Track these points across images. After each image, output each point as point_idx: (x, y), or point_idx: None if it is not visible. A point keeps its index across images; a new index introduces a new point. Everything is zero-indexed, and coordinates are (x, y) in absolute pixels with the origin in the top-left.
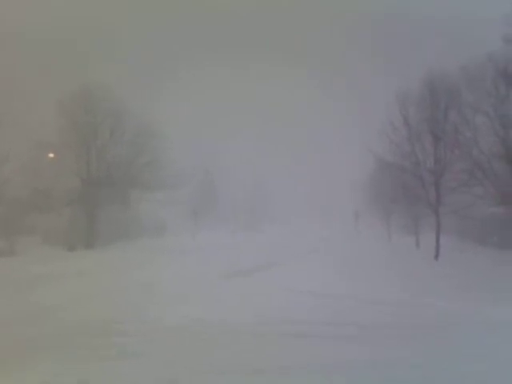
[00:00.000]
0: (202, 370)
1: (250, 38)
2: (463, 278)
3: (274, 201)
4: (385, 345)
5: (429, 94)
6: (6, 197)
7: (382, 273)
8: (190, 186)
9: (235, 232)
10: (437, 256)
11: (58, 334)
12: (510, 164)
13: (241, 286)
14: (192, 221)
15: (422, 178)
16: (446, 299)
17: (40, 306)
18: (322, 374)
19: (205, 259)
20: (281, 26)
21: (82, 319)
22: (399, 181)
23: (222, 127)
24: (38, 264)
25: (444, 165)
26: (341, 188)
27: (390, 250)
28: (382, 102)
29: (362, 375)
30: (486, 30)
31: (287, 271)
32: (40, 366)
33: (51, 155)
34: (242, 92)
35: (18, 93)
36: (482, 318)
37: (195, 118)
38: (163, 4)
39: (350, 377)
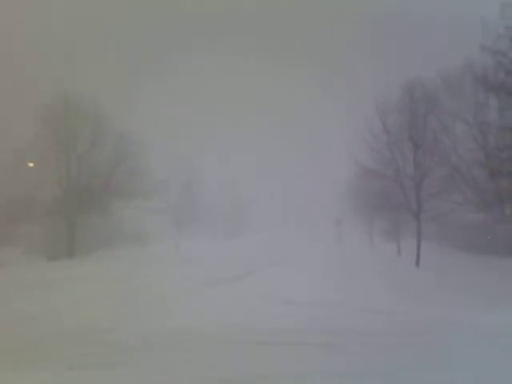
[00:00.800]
0: (185, 379)
1: (249, 37)
2: (444, 283)
3: (256, 208)
4: (364, 352)
5: (408, 101)
6: None
7: (363, 279)
8: (171, 193)
9: (217, 240)
10: (418, 262)
11: (40, 343)
12: (489, 170)
13: (224, 294)
14: (174, 229)
15: (402, 184)
16: (425, 305)
17: (20, 315)
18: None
19: (187, 268)
20: (280, 25)
21: (63, 328)
22: (380, 187)
23: (202, 132)
24: (19, 274)
25: (424, 171)
26: (323, 194)
27: (371, 256)
28: (364, 107)
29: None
30: (465, 36)
31: (267, 279)
32: (20, 376)
33: (30, 164)
34: (244, 93)
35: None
36: (464, 324)
37: (172, 121)
38: (161, 3)
39: None
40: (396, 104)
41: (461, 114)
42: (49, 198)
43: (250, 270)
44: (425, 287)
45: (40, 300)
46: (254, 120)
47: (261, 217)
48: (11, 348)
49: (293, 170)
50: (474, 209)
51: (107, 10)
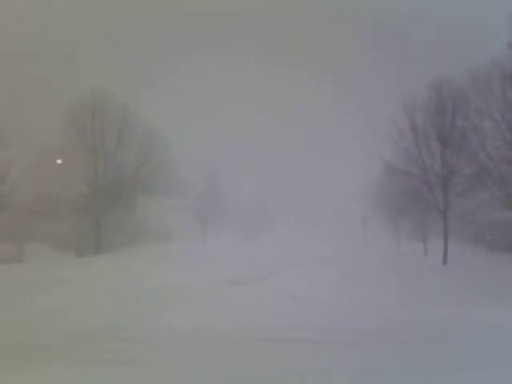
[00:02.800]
0: (203, 377)
1: (251, 38)
2: (471, 283)
3: (282, 206)
4: (388, 351)
5: (436, 99)
6: (13, 203)
7: (388, 279)
8: (196, 191)
9: (240, 238)
10: (445, 261)
11: (65, 340)
12: None
13: (247, 293)
14: (199, 227)
15: (429, 182)
16: (453, 305)
17: (47, 311)
18: (322, 379)
19: (212, 266)
20: (281, 25)
21: (88, 325)
22: (407, 186)
23: (227, 130)
24: (46, 270)
25: (451, 169)
26: (348, 194)
27: (397, 256)
28: (388, 106)
29: (363, 381)
30: (493, 34)
31: (293, 278)
32: (46, 371)
33: (59, 161)
34: (244, 93)
35: (25, 98)
36: (491, 325)
37: (197, 121)
38: (162, 3)
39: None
40: (423, 102)
41: (489, 111)
42: (76, 195)
43: (273, 269)
44: (450, 286)
45: (62, 296)
46: (275, 119)
47: (285, 214)
48: (32, 345)
49: (317, 170)
50: (502, 207)
51: (116, 10)
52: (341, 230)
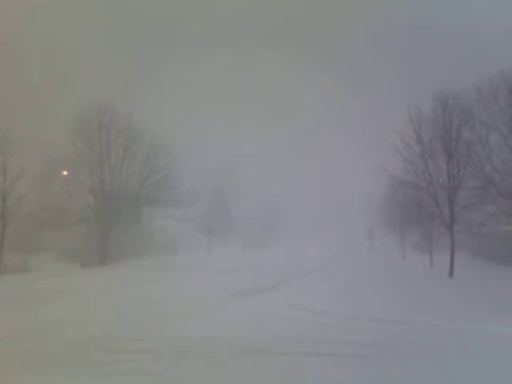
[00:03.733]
0: None
1: (258, 35)
2: (478, 296)
3: (287, 216)
4: (392, 364)
5: (442, 112)
6: (19, 213)
7: (393, 291)
8: (202, 203)
9: (247, 249)
10: (451, 274)
11: (68, 350)
12: None
13: (252, 305)
14: (205, 238)
15: (435, 195)
16: (459, 317)
17: (51, 321)
18: None
19: (218, 277)
20: (285, 26)
21: (92, 335)
22: (413, 198)
23: (233, 141)
24: (51, 280)
25: (457, 182)
26: (354, 205)
27: (403, 268)
28: (395, 117)
29: None
30: (499, 48)
31: (299, 289)
32: (50, 381)
33: (65, 172)
34: (251, 102)
35: (31, 109)
36: (495, 337)
37: (203, 132)
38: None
39: None
40: (429, 115)
41: (495, 124)
42: (82, 207)
43: (279, 281)
44: (457, 300)
45: (67, 306)
46: (280, 126)
47: (290, 225)
48: (41, 354)
49: (323, 181)
50: (508, 220)
51: (120, 16)
52: (346, 242)
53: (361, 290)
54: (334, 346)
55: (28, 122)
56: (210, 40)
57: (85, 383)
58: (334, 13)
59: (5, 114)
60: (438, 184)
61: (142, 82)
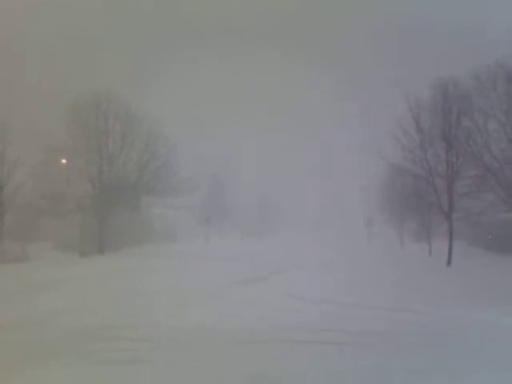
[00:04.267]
0: (206, 377)
1: (258, 35)
2: (475, 284)
3: (284, 206)
4: (391, 352)
5: (441, 100)
6: (17, 202)
7: (392, 279)
8: (200, 192)
9: (245, 239)
10: (449, 262)
11: (67, 339)
12: None
13: (250, 294)
14: (203, 227)
15: (434, 183)
16: (457, 306)
17: (50, 310)
18: (325, 379)
19: (215, 266)
20: (283, 25)
21: (91, 324)
22: (411, 187)
23: (230, 130)
24: (51, 269)
25: (456, 170)
26: (353, 194)
27: (402, 256)
28: (394, 106)
29: (366, 381)
30: (498, 36)
31: (297, 279)
32: (48, 370)
33: (63, 161)
34: (248, 93)
35: (29, 98)
36: (493, 326)
37: (201, 121)
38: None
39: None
40: (429, 103)
41: (494, 113)
42: (80, 195)
43: (277, 270)
44: (455, 287)
45: (65, 295)
46: (278, 119)
47: (289, 216)
48: (33, 343)
49: (321, 170)
50: (506, 208)
51: (118, 11)
52: (345, 230)
53: (359, 279)
54: (334, 334)
55: (26, 111)
56: (210, 40)
57: (82, 372)
58: (333, 13)
59: (3, 105)
60: (436, 172)
61: (142, 82)
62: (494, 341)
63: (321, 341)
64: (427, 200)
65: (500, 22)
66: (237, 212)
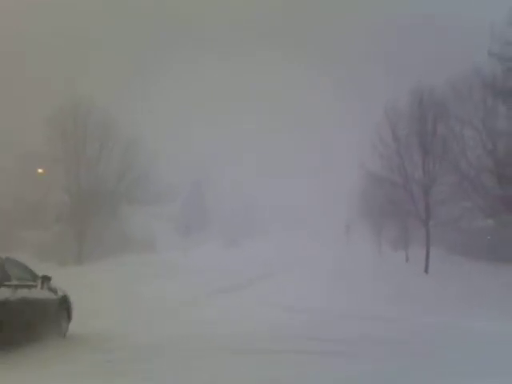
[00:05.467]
0: None
1: (258, 35)
2: (453, 291)
3: (263, 214)
4: (373, 361)
5: (417, 107)
6: None
7: (370, 286)
8: (180, 200)
9: (224, 246)
10: (426, 269)
11: (45, 350)
12: (498, 177)
13: (231, 303)
14: (182, 236)
15: (411, 191)
16: (434, 313)
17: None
18: None
19: (195, 275)
20: (281, 25)
21: (72, 334)
22: (389, 194)
23: (211, 136)
24: None
25: (433, 177)
26: (331, 201)
27: (379, 263)
28: (375, 112)
29: None
30: (474, 42)
31: (274, 286)
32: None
33: (40, 170)
34: (250, 92)
35: (5, 103)
36: (472, 332)
37: (181, 128)
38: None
39: None
40: (405, 110)
41: (470, 120)
42: (58, 204)
43: (257, 278)
44: (432, 294)
45: None
46: (271, 124)
47: (268, 223)
48: (28, 354)
49: (300, 175)
50: (483, 215)
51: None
52: (324, 238)
53: (334, 287)
54: (307, 341)
55: (1, 116)
56: (210, 40)
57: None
58: (333, 13)
59: None
60: (413, 179)
61: (142, 82)
62: (468, 346)
63: (301, 350)
64: (404, 207)
65: (477, 27)
66: (218, 219)
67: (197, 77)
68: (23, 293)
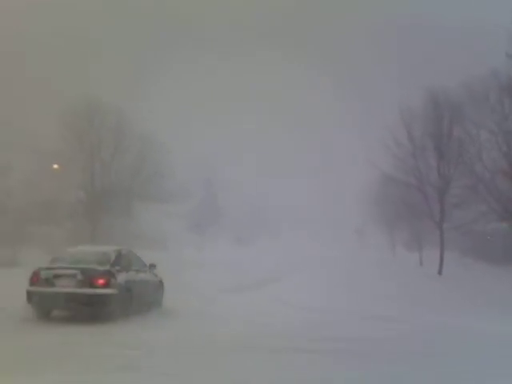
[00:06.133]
0: None
1: (258, 35)
2: (466, 294)
3: (278, 214)
4: (380, 360)
5: (433, 109)
6: (9, 207)
7: (383, 288)
8: (193, 198)
9: (236, 245)
10: (440, 271)
11: (62, 345)
12: None
13: (241, 301)
14: (195, 234)
15: (425, 193)
16: (446, 315)
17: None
18: None
19: (208, 273)
20: (283, 25)
21: (83, 329)
22: (403, 196)
23: (224, 135)
24: None
25: (448, 180)
26: (345, 202)
27: (393, 265)
28: (387, 115)
29: None
30: (490, 45)
31: (289, 286)
32: (43, 377)
33: (55, 166)
34: (241, 97)
35: (21, 102)
36: (483, 334)
37: (194, 126)
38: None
39: None
40: (420, 112)
41: (485, 122)
42: (72, 201)
43: (269, 278)
44: (446, 296)
45: None
46: (272, 124)
47: (280, 223)
48: (35, 350)
49: (313, 177)
50: (497, 218)
51: (113, 14)
52: (337, 238)
53: (348, 288)
54: (322, 341)
55: (17, 115)
56: (210, 40)
57: (80, 379)
58: (334, 13)
59: None
60: (428, 182)
61: (142, 82)
62: (480, 349)
63: (311, 349)
64: (419, 209)
65: (501, 23)
66: (230, 218)
67: (197, 77)
68: (141, 276)
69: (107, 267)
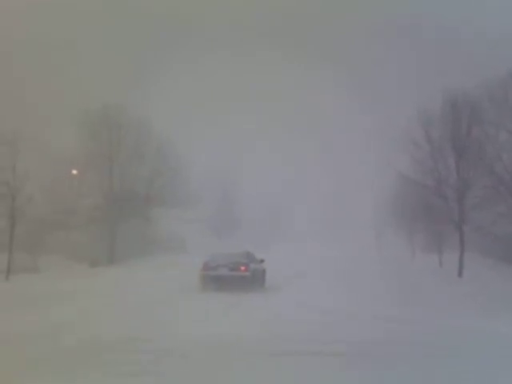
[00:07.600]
0: None
1: (258, 35)
2: (486, 296)
3: (295, 218)
4: (397, 363)
5: (451, 110)
6: (28, 214)
7: (404, 289)
8: (210, 203)
9: (255, 250)
10: (460, 273)
11: (77, 351)
12: None
13: (256, 304)
14: (213, 238)
15: (445, 195)
16: (467, 318)
17: (60, 321)
18: None
19: None
20: (291, 24)
21: (101, 336)
22: (422, 198)
23: (240, 140)
24: (61, 280)
25: (467, 182)
26: (363, 205)
27: (412, 267)
28: (403, 115)
29: None
30: (490, 45)
31: (306, 289)
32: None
33: (74, 172)
34: (250, 92)
35: (39, 108)
36: (502, 339)
37: (210, 132)
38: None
39: None
40: (438, 113)
41: (505, 123)
42: (91, 206)
43: (286, 281)
44: (465, 299)
45: (75, 307)
46: (261, 122)
47: (299, 227)
48: (51, 356)
49: (330, 180)
50: None
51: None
52: (355, 241)
53: (369, 290)
54: (339, 344)
55: (35, 121)
56: (210, 40)
57: None
58: (333, 13)
59: (12, 114)
60: (447, 183)
61: (142, 82)
62: (504, 352)
63: (327, 352)
64: (438, 211)
65: (501, 24)
66: (247, 223)
67: (197, 77)
68: (257, 266)
69: (245, 261)
